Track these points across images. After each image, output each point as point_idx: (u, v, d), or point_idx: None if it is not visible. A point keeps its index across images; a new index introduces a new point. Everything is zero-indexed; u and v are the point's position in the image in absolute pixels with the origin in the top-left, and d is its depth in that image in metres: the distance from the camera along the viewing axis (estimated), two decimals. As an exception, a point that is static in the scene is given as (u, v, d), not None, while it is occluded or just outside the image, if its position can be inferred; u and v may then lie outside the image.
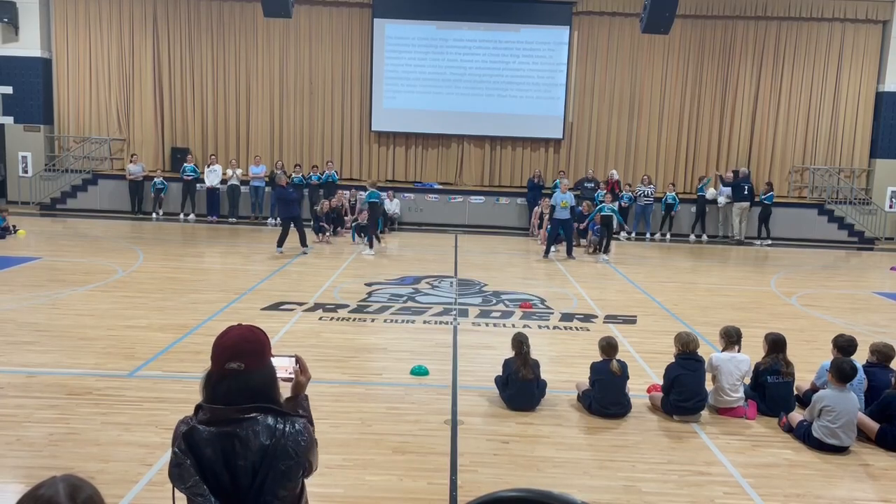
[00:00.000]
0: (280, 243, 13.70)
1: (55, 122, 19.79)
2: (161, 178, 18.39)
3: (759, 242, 18.01)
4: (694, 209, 18.29)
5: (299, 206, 14.51)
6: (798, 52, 19.38)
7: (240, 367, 2.28)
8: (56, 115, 19.77)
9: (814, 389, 6.37)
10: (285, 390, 2.62)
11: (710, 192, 18.05)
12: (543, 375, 6.41)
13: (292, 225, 13.77)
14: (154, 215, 18.25)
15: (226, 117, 19.95)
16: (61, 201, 18.87)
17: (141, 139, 19.80)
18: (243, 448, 2.24)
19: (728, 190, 18.03)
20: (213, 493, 2.22)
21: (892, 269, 15.00)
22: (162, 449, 5.14)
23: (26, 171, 19.23)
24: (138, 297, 9.76)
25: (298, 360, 2.58)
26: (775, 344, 6.53)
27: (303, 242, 13.76)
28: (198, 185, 18.27)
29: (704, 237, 18.27)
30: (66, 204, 18.83)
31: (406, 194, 18.65)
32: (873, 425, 5.84)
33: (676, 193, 18.20)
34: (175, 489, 2.26)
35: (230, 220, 18.21)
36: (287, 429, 2.29)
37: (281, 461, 2.25)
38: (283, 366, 2.53)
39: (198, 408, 2.33)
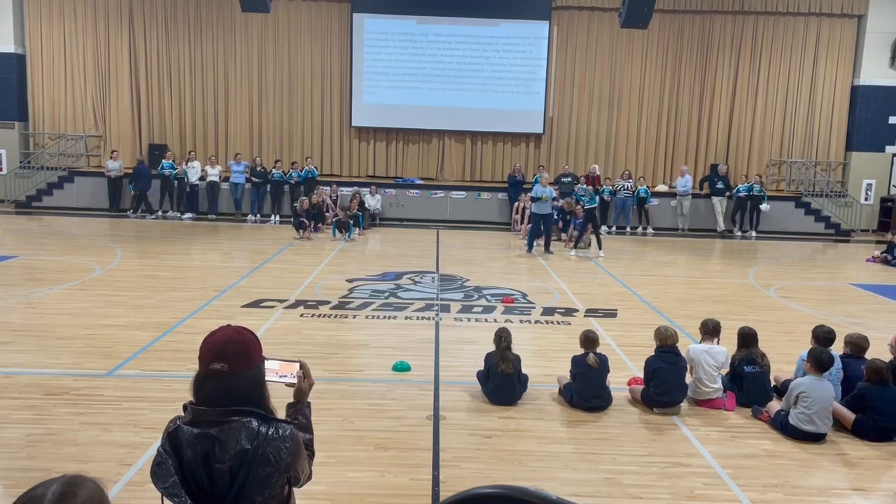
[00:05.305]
0: (136, 210, 17.79)
1: (30, 118, 19.49)
2: (139, 175, 18.19)
3: (739, 233, 18.16)
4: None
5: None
6: (775, 47, 19.56)
7: (223, 368, 2.24)
8: (31, 112, 19.47)
9: (792, 382, 6.46)
10: (288, 395, 2.62)
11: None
12: (525, 370, 6.44)
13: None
14: (132, 213, 18.05)
15: (204, 113, 19.76)
16: (37, 199, 18.60)
17: (118, 135, 19.57)
18: (222, 451, 2.19)
19: (689, 180, 18.30)
20: (191, 495, 2.19)
21: (867, 260, 15.22)
22: (141, 449, 5.10)
23: (1, 169, 18.94)
24: (116, 296, 9.66)
25: (302, 366, 2.58)
26: (745, 338, 6.67)
27: (148, 209, 17.88)
28: (176, 181, 18.09)
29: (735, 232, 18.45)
30: (42, 202, 18.56)
31: (387, 190, 18.59)
32: (849, 415, 5.93)
33: (648, 187, 18.34)
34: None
35: (209, 216, 18.07)
36: (270, 433, 2.23)
37: (260, 467, 2.19)
38: (286, 370, 2.53)
39: (185, 407, 2.31)
